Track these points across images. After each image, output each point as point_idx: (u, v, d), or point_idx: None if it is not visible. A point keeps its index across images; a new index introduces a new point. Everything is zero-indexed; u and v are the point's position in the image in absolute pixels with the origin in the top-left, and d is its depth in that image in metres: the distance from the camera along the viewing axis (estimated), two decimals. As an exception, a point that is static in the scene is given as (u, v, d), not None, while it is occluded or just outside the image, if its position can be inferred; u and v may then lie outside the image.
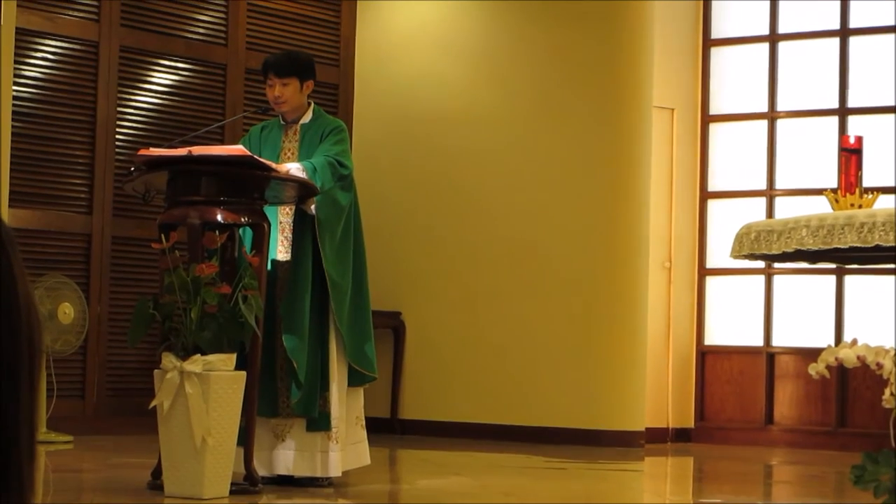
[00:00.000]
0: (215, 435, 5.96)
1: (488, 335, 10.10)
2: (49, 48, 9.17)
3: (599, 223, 9.88)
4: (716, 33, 11.04)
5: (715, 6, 11.04)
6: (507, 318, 10.05)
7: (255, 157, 6.40)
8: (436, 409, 10.23)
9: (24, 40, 8.97)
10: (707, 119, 11.01)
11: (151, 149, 6.58)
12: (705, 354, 10.87)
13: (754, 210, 10.60)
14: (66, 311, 8.77)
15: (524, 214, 10.06)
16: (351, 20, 10.72)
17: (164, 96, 9.69)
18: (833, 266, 9.84)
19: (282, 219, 6.72)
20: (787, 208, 10.37)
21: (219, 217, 6.28)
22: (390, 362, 10.22)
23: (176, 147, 6.65)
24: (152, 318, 6.13)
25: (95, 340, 9.22)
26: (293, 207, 6.66)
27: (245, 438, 6.30)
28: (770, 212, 10.63)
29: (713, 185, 10.97)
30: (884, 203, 5.43)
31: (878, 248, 4.76)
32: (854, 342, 4.69)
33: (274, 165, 6.44)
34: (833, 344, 5.21)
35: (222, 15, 9.99)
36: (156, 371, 6.12)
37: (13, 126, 8.76)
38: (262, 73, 6.90)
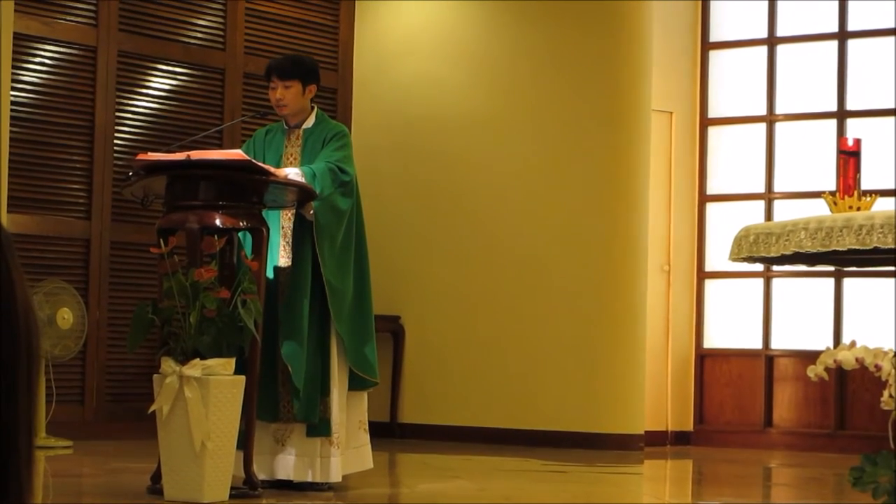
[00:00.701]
0: (215, 439, 5.96)
1: (487, 339, 10.10)
2: (47, 53, 9.17)
3: (598, 226, 9.88)
4: (714, 36, 11.04)
5: (713, 9, 11.04)
6: (506, 321, 10.05)
7: (254, 161, 6.40)
8: (435, 412, 10.24)
9: (22, 45, 8.97)
10: (706, 122, 11.01)
11: (150, 153, 6.59)
12: (704, 357, 10.88)
13: (753, 213, 10.60)
14: (65, 317, 8.77)
15: (523, 218, 10.07)
16: (349, 24, 10.72)
17: (163, 101, 9.69)
18: (832, 268, 9.84)
19: (284, 223, 6.72)
20: (785, 211, 10.37)
21: (217, 221, 6.28)
22: (390, 366, 10.23)
23: (174, 151, 6.65)
24: (151, 323, 6.13)
25: (94, 345, 9.22)
26: (295, 212, 6.66)
27: (244, 442, 6.30)
28: (769, 214, 10.64)
29: (712, 189, 10.97)
30: (882, 205, 5.43)
31: (876, 250, 4.76)
32: (853, 344, 4.69)
33: (272, 170, 6.44)
34: (832, 346, 5.22)
35: (220, 19, 9.99)
36: (155, 376, 6.12)
37: (11, 131, 8.76)
38: (265, 76, 6.91)
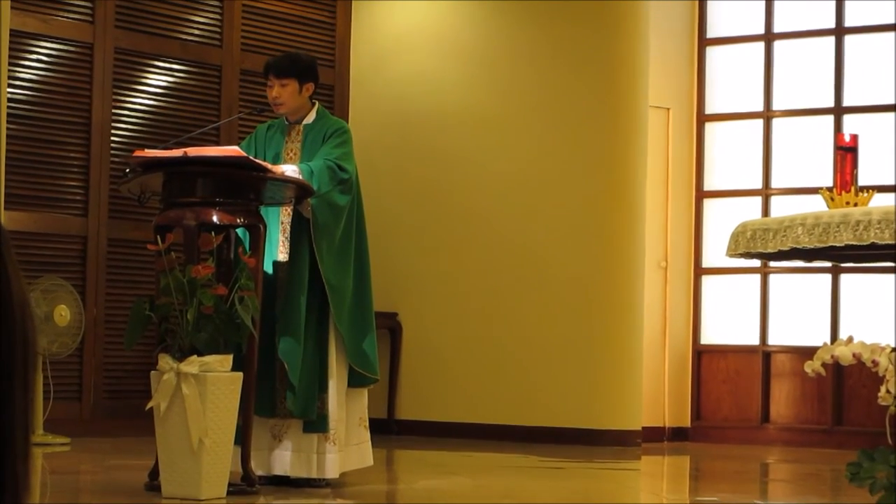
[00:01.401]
0: (212, 436, 5.96)
1: (485, 335, 10.10)
2: (44, 50, 9.16)
3: (595, 222, 9.88)
4: (711, 32, 11.04)
5: (710, 5, 11.04)
6: (503, 318, 10.05)
7: (251, 157, 6.40)
8: (432, 409, 10.24)
9: (19, 42, 8.96)
10: (703, 118, 11.01)
11: (147, 150, 6.58)
12: (701, 353, 10.88)
13: (750, 209, 10.60)
14: (63, 314, 8.77)
15: (520, 214, 10.07)
16: (346, 21, 10.72)
17: (160, 98, 9.68)
18: (829, 264, 9.84)
19: (283, 219, 6.71)
20: (782, 207, 10.37)
21: (214, 218, 6.27)
22: (387, 363, 10.23)
23: (171, 148, 6.65)
24: (148, 320, 6.13)
25: (92, 342, 9.22)
26: (294, 208, 6.65)
27: (242, 439, 6.30)
28: (766, 210, 10.64)
29: (709, 184, 10.98)
30: (879, 201, 5.43)
31: (873, 245, 4.77)
32: (850, 340, 4.69)
33: (269, 166, 6.43)
34: (829, 342, 5.22)
35: (217, 16, 9.99)
36: (152, 372, 6.12)
37: (8, 128, 8.75)
38: (263, 74, 6.90)
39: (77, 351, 9.05)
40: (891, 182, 9.96)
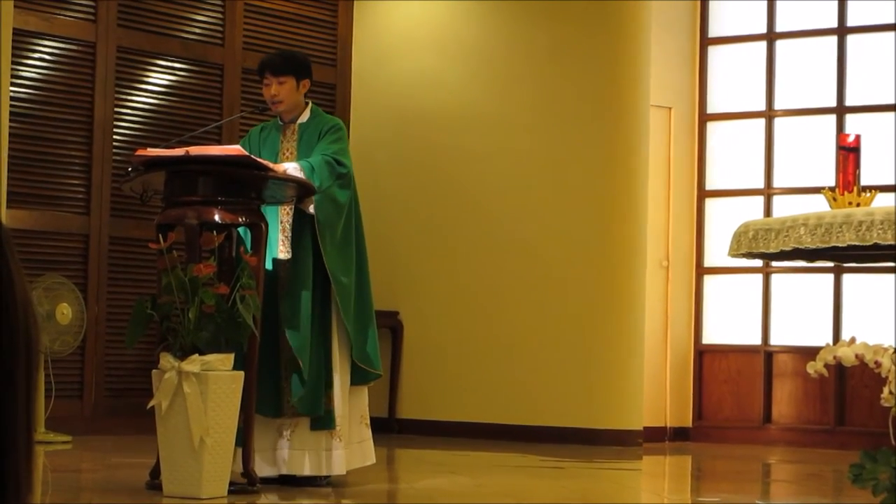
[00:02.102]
0: (213, 435, 5.96)
1: (486, 334, 10.10)
2: (46, 49, 9.16)
3: (597, 222, 9.88)
4: (713, 32, 11.04)
5: (712, 5, 11.04)
6: (504, 316, 10.05)
7: (253, 156, 6.40)
8: (433, 408, 10.24)
9: (21, 41, 8.96)
10: (704, 118, 11.01)
11: (149, 149, 6.58)
12: (703, 353, 10.87)
13: (752, 209, 10.59)
14: (64, 312, 8.77)
15: (521, 213, 10.06)
16: (348, 20, 10.71)
17: (161, 96, 9.68)
18: (831, 264, 9.84)
19: (283, 218, 6.71)
20: (784, 207, 10.37)
21: (216, 217, 6.27)
22: (388, 362, 10.22)
23: (173, 147, 6.65)
24: (150, 319, 6.13)
25: (93, 341, 9.21)
26: (294, 207, 6.65)
27: (244, 438, 6.30)
28: (768, 210, 10.63)
29: (711, 184, 10.97)
30: (882, 201, 5.43)
31: (876, 246, 4.76)
32: (852, 340, 4.69)
33: (271, 165, 6.43)
34: (831, 342, 5.22)
35: (219, 15, 9.99)
36: (154, 371, 6.11)
37: (11, 127, 8.75)
38: (259, 73, 6.90)
39: (79, 349, 9.05)
40: (893, 182, 9.95)
